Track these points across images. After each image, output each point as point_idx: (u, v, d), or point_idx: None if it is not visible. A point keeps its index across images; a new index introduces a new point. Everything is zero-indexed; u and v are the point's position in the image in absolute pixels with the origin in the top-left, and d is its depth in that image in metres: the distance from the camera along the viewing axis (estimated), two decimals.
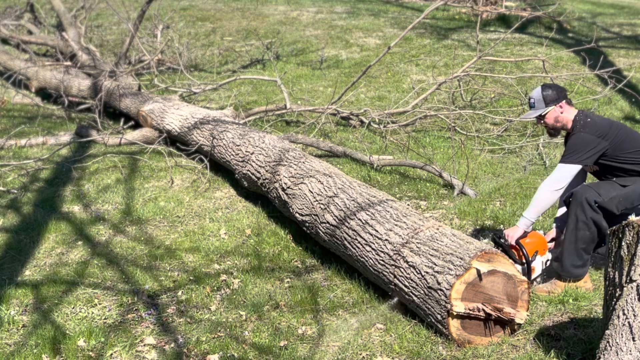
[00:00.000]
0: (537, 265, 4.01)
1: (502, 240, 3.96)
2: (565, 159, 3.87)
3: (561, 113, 3.97)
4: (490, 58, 8.02)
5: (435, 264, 3.54)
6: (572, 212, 3.90)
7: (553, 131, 4.09)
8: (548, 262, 4.07)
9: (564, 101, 3.97)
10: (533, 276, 3.98)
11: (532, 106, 4.03)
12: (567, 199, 4.05)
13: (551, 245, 4.16)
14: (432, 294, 3.50)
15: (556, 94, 3.96)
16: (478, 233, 4.84)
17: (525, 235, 3.97)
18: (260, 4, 14.52)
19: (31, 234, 5.03)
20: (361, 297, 4.04)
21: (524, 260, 3.92)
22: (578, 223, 3.87)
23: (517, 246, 3.94)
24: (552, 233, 4.22)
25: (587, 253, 3.94)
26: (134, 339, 3.68)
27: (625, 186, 3.88)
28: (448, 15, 13.45)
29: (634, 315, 2.79)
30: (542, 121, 4.03)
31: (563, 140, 4.08)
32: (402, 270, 3.69)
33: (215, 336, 3.70)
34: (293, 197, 4.73)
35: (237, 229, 5.11)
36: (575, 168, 3.85)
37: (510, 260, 3.61)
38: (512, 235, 3.95)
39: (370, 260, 3.92)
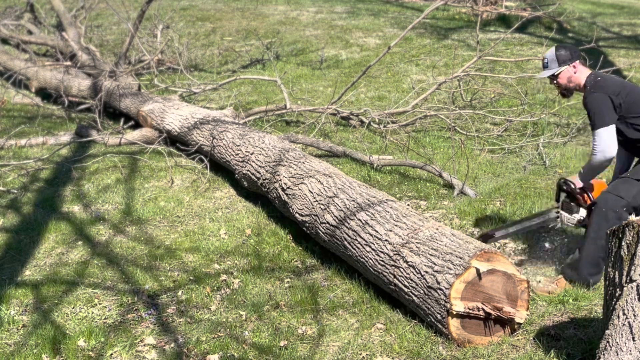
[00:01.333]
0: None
1: (570, 185, 4.04)
2: (596, 126, 3.83)
3: (574, 73, 3.98)
4: (490, 58, 8.02)
5: (434, 264, 3.54)
6: (594, 222, 3.86)
7: (566, 92, 4.08)
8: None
9: (578, 61, 3.98)
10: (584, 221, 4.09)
11: (545, 66, 4.05)
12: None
13: None
14: (431, 293, 3.50)
15: (569, 54, 3.97)
16: (478, 233, 4.84)
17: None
18: (260, 4, 14.52)
19: (31, 234, 5.03)
20: (361, 297, 4.04)
21: (589, 203, 4.00)
22: (599, 232, 3.80)
23: (583, 193, 4.01)
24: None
25: (604, 261, 3.87)
26: (134, 339, 3.69)
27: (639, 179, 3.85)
28: (448, 15, 13.45)
29: (634, 315, 2.79)
30: (555, 81, 4.04)
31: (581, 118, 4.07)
32: (401, 270, 3.69)
33: (215, 336, 3.70)
34: (293, 197, 4.73)
35: (237, 229, 5.11)
36: (611, 129, 3.80)
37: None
38: (578, 183, 4.00)
39: (370, 261, 3.92)
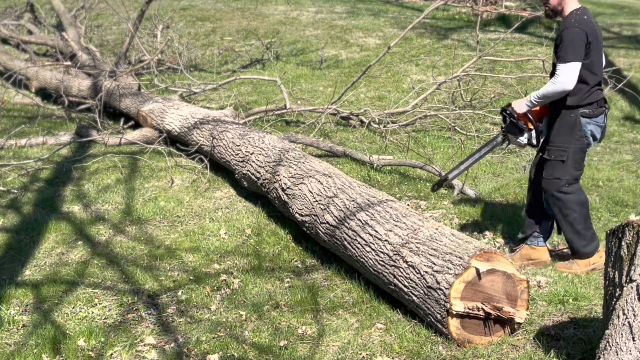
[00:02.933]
0: (545, 128, 4.26)
1: (512, 111, 4.22)
2: (564, 59, 3.95)
3: None
4: (490, 58, 8.02)
5: (434, 264, 3.54)
6: (553, 206, 4.20)
7: (552, 13, 4.19)
8: None
9: None
10: (541, 140, 4.25)
11: None
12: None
13: None
14: (431, 293, 3.51)
15: None
16: (478, 233, 4.84)
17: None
18: (260, 4, 14.51)
19: (31, 234, 5.03)
20: (361, 297, 4.04)
21: (531, 127, 4.20)
22: (562, 211, 4.15)
23: (524, 116, 4.19)
24: None
25: (588, 229, 4.18)
26: (134, 339, 3.69)
27: (564, 160, 4.09)
28: (448, 15, 13.45)
29: (634, 315, 2.79)
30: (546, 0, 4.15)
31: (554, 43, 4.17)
32: (401, 270, 3.69)
33: (215, 336, 3.70)
34: (293, 198, 4.73)
35: (237, 228, 5.11)
36: (577, 65, 3.93)
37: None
38: (518, 109, 4.19)
39: (370, 261, 3.92)
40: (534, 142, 4.25)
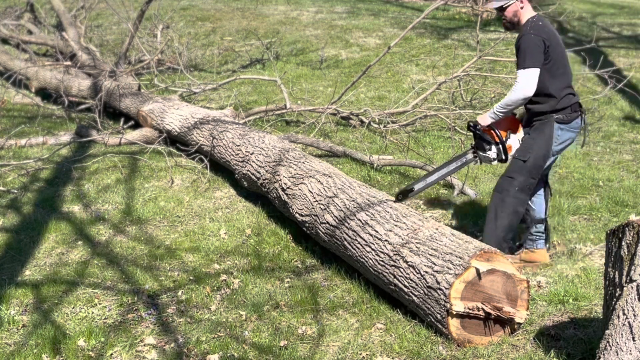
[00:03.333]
0: (514, 142, 4.24)
1: (477, 126, 4.21)
2: (522, 65, 4.00)
3: (521, 9, 4.15)
4: (490, 58, 8.01)
5: (434, 264, 3.54)
6: (491, 203, 4.18)
7: (510, 25, 4.24)
8: (522, 139, 4.27)
9: None
10: (512, 153, 4.22)
11: None
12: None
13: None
14: (431, 293, 3.50)
15: None
16: (478, 233, 4.84)
17: (497, 122, 4.22)
18: (260, 4, 14.50)
19: (31, 234, 5.03)
20: (361, 297, 4.04)
21: (497, 141, 4.17)
22: (497, 212, 4.13)
23: (490, 129, 4.19)
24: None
25: (508, 240, 4.23)
26: (134, 339, 3.69)
27: (525, 161, 4.08)
28: (448, 15, 13.45)
29: (634, 315, 2.79)
30: (502, 13, 4.20)
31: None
32: (401, 270, 3.69)
33: (215, 336, 3.70)
34: (293, 198, 4.73)
35: (237, 228, 5.11)
36: (535, 71, 3.98)
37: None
38: (483, 122, 4.18)
39: (370, 261, 3.92)
40: (503, 156, 4.21)
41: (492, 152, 4.22)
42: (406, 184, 4.43)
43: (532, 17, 4.14)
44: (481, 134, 4.20)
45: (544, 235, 4.38)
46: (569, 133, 4.13)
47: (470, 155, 4.32)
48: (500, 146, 4.18)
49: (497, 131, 4.18)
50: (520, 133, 4.26)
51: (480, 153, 4.25)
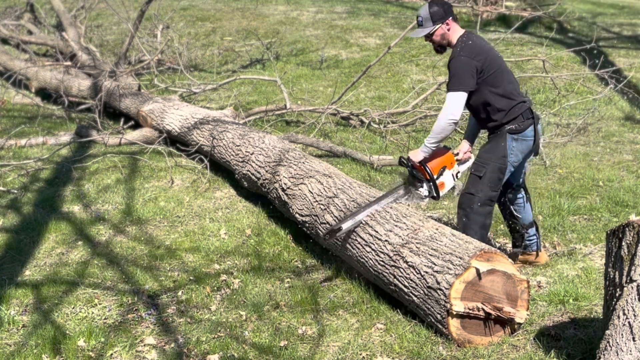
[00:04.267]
0: (447, 179, 4.15)
1: (408, 161, 4.13)
2: (450, 88, 3.93)
3: (448, 30, 4.06)
4: None
5: (434, 264, 3.54)
6: (459, 220, 4.09)
7: (440, 48, 4.18)
8: (459, 174, 4.20)
9: (451, 18, 4.04)
10: (444, 191, 4.15)
11: (420, 24, 4.10)
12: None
13: (460, 157, 4.23)
14: (431, 293, 3.50)
15: (443, 12, 4.03)
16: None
17: (430, 158, 4.11)
18: (260, 4, 14.51)
19: (31, 234, 5.03)
20: (361, 297, 4.04)
21: (428, 178, 4.09)
22: (465, 229, 3.98)
23: (421, 166, 4.09)
24: (462, 146, 4.30)
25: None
26: (134, 339, 3.69)
27: (481, 176, 3.99)
28: None
29: (634, 315, 2.79)
30: (430, 39, 4.12)
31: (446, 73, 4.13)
32: (401, 270, 3.69)
33: (216, 336, 3.70)
34: (293, 198, 4.73)
35: (237, 229, 5.11)
36: (463, 95, 3.89)
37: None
38: (413, 158, 4.09)
39: (370, 261, 3.92)
40: (434, 194, 4.11)
41: (424, 190, 4.13)
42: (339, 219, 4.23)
43: (462, 35, 4.02)
44: (411, 170, 4.12)
45: (536, 236, 4.34)
46: (524, 143, 4.02)
47: (402, 191, 4.19)
48: (432, 184, 4.09)
49: (427, 168, 4.07)
50: (455, 168, 4.16)
51: (412, 189, 4.16)
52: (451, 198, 5.50)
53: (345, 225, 4.03)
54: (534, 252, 4.33)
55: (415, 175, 4.12)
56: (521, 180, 4.27)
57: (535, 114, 4.07)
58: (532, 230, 4.30)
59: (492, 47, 4.11)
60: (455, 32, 4.05)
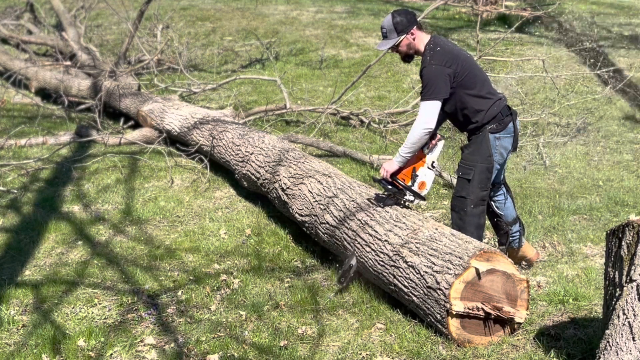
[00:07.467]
0: (425, 176, 4.12)
1: (381, 181, 4.11)
2: (424, 97, 3.90)
3: (413, 40, 4.00)
4: (491, 58, 8.01)
5: (434, 264, 3.54)
6: (453, 222, 4.06)
7: (407, 58, 4.12)
8: (434, 163, 4.16)
9: (415, 27, 3.99)
10: (427, 188, 4.13)
11: (384, 36, 4.05)
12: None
13: (429, 146, 4.16)
14: (431, 293, 3.50)
15: (407, 22, 3.97)
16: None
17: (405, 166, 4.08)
18: (260, 4, 14.50)
19: (31, 234, 5.03)
20: (361, 297, 4.04)
21: (401, 187, 4.08)
22: (461, 230, 3.93)
23: (393, 180, 4.08)
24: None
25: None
26: (134, 339, 3.69)
27: (470, 179, 3.96)
28: (448, 15, 13.45)
29: (634, 315, 2.79)
30: (396, 50, 4.06)
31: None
32: (401, 270, 3.69)
33: (215, 336, 3.70)
34: (293, 198, 4.73)
35: (237, 228, 5.11)
36: (436, 104, 3.87)
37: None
38: (388, 169, 4.06)
39: (370, 261, 3.92)
40: (419, 199, 4.11)
41: (409, 196, 4.11)
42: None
43: (429, 42, 3.97)
44: (387, 186, 4.08)
45: (519, 231, 4.33)
46: (506, 140, 4.01)
47: (353, 261, 4.05)
48: (409, 191, 4.08)
49: (399, 181, 4.07)
50: (428, 160, 4.12)
51: (399, 200, 4.15)
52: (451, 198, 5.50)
53: (354, 262, 4.06)
54: (518, 247, 4.32)
55: (395, 185, 4.10)
56: (501, 177, 4.24)
57: (513, 110, 4.06)
58: (515, 226, 4.30)
59: (460, 48, 4.09)
60: (421, 40, 4.00)
